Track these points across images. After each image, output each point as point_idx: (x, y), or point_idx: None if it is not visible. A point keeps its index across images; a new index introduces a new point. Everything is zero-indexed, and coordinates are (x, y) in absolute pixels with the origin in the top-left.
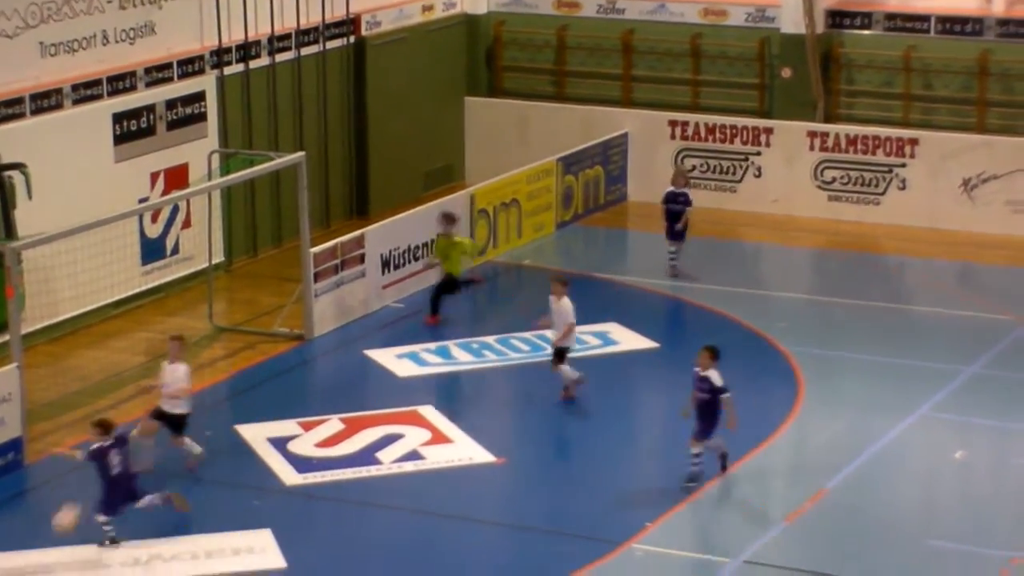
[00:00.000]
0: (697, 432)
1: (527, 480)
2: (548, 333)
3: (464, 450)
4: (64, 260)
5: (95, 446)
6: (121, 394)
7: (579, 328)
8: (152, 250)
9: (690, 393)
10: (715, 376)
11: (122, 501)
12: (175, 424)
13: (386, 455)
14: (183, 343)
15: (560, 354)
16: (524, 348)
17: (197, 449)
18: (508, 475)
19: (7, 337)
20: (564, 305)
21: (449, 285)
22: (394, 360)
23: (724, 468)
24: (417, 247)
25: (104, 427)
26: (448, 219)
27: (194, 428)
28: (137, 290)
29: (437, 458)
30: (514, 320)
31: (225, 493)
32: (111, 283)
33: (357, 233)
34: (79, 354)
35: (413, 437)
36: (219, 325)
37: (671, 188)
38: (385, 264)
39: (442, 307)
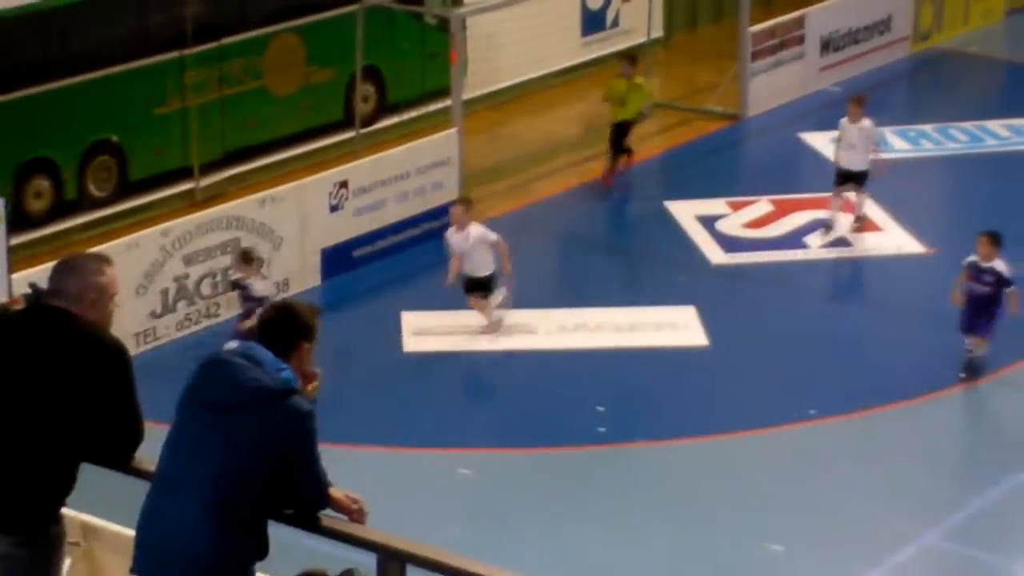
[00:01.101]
0: (974, 327)
1: (955, 272)
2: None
3: (894, 239)
4: (507, 28)
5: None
6: (556, 163)
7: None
8: (593, 22)
9: (957, 281)
10: (1001, 266)
11: None
12: (484, 286)
13: (814, 240)
14: (468, 206)
15: (857, 179)
16: (963, 138)
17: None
18: (937, 266)
19: (449, 102)
20: (866, 126)
21: (622, 129)
22: (827, 144)
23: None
24: (859, 29)
25: (246, 258)
26: (631, 61)
27: (621, 207)
28: (576, 61)
29: (865, 246)
30: (954, 109)
31: (652, 268)
32: (551, 53)
33: (798, 13)
34: (517, 121)
35: (842, 223)
36: (655, 100)
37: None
38: (825, 46)
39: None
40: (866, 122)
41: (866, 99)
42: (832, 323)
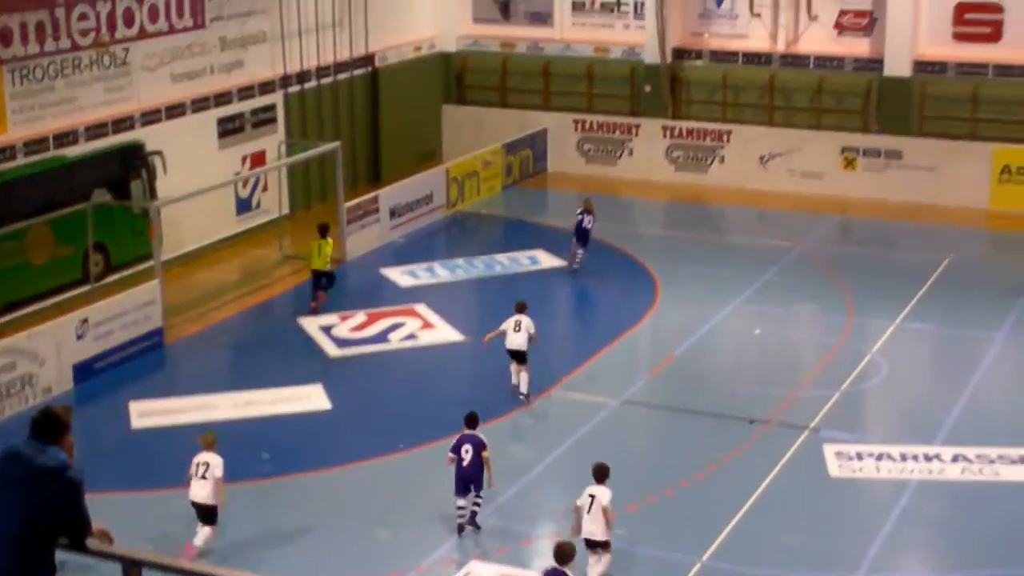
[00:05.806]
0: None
1: (482, 353)
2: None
3: (443, 333)
4: (187, 212)
5: None
6: (225, 298)
7: (516, 254)
8: (243, 206)
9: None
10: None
11: None
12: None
13: (394, 336)
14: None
15: (520, 358)
16: (481, 266)
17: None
18: (469, 347)
19: (151, 263)
20: (528, 319)
21: (324, 276)
22: (398, 275)
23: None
24: (413, 201)
25: None
26: (325, 229)
27: (271, 324)
28: (233, 232)
29: (426, 339)
30: (475, 248)
31: (291, 362)
32: (217, 227)
33: (373, 194)
34: (197, 272)
35: (411, 325)
36: (286, 253)
37: (580, 210)
38: (392, 213)
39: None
40: (525, 320)
41: (526, 304)
42: (408, 387)
